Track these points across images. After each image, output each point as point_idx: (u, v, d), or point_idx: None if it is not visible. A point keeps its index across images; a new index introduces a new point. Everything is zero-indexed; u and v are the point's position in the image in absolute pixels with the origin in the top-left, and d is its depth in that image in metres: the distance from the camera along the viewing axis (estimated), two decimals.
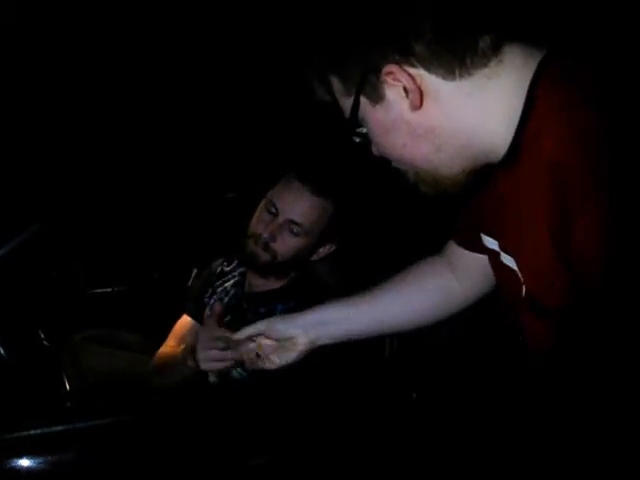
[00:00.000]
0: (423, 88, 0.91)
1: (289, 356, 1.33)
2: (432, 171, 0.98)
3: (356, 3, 0.94)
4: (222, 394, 1.71)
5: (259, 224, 1.73)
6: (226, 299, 1.84)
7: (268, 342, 1.35)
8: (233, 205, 2.53)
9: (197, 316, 1.84)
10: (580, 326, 0.92)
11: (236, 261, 1.92)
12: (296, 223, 1.70)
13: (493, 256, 1.12)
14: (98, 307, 2.30)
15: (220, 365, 1.55)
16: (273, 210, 1.72)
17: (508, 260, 1.06)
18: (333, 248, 1.79)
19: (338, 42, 0.95)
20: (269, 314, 1.74)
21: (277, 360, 1.34)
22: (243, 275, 1.88)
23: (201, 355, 1.53)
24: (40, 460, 1.41)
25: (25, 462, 1.40)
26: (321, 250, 1.78)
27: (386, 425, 1.69)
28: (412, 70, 0.90)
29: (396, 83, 0.91)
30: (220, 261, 1.97)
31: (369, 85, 0.93)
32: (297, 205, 1.70)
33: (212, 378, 1.74)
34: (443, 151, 0.95)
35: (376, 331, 1.36)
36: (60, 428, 1.46)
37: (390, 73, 0.91)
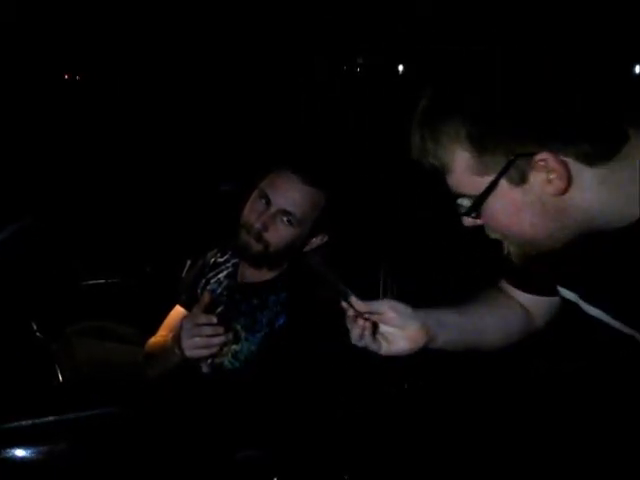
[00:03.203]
0: (571, 175, 0.94)
1: (400, 347, 1.26)
2: (541, 243, 1.02)
3: (503, 86, 0.95)
4: (214, 385, 1.71)
5: (251, 214, 1.73)
6: (219, 290, 1.83)
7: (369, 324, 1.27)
8: (227, 197, 2.53)
9: (190, 307, 1.84)
10: None
11: (230, 252, 1.92)
12: (289, 213, 1.70)
13: (570, 304, 1.17)
14: (91, 299, 2.30)
15: (205, 352, 1.56)
16: (265, 200, 1.72)
17: (594, 311, 1.12)
18: (326, 239, 1.79)
19: (487, 125, 0.96)
20: (262, 305, 1.74)
21: (385, 346, 1.26)
22: (236, 266, 1.88)
23: (185, 343, 1.54)
24: (32, 451, 1.42)
25: (17, 453, 1.40)
26: (314, 240, 1.78)
27: (380, 418, 1.70)
28: (564, 158, 0.94)
29: (544, 169, 0.94)
30: (214, 252, 1.97)
31: (515, 169, 0.96)
32: (289, 195, 1.70)
33: (205, 369, 1.74)
34: (567, 228, 1.00)
35: (474, 343, 1.35)
36: (53, 419, 1.46)
37: (543, 160, 0.93)
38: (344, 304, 1.25)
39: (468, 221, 1.06)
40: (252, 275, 1.81)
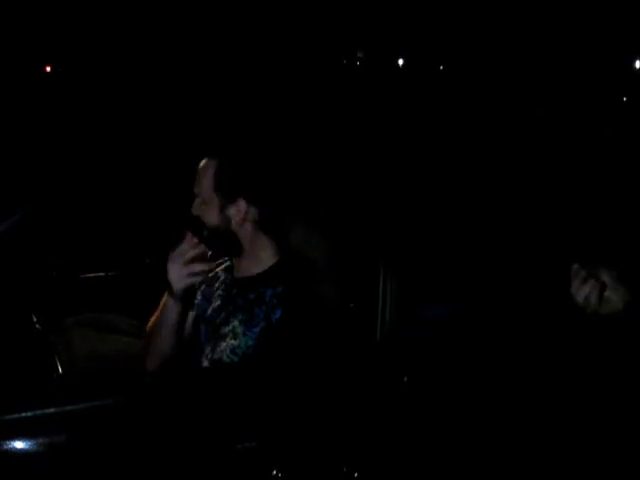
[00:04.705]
0: None
1: (617, 306, 1.42)
2: None
3: None
4: (213, 377, 1.72)
5: None
6: (216, 284, 1.84)
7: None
8: None
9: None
10: None
11: None
12: (195, 194, 1.79)
13: None
14: (90, 291, 2.30)
15: (194, 279, 1.66)
16: None
17: None
18: (245, 207, 1.74)
19: None
20: (259, 299, 1.74)
21: (605, 305, 1.42)
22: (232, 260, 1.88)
23: (173, 275, 1.65)
24: (32, 442, 1.43)
25: (17, 444, 1.41)
26: (228, 211, 1.75)
27: (378, 410, 1.70)
28: None
29: None
30: None
31: None
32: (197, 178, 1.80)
33: (205, 363, 1.75)
34: None
35: None
36: (52, 410, 1.46)
37: None
38: (574, 267, 1.43)
39: None
40: (244, 268, 1.80)
